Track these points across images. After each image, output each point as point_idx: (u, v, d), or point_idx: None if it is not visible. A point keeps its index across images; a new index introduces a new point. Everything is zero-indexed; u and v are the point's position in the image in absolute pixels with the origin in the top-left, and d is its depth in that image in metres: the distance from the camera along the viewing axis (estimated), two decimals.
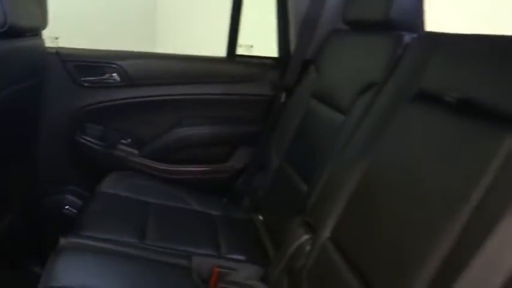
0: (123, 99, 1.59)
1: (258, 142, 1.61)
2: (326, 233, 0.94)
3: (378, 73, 1.01)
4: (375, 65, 1.04)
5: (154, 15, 3.15)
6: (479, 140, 0.66)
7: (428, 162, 0.75)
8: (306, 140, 1.31)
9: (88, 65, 1.55)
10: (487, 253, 0.55)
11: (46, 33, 1.38)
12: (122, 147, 1.59)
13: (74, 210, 1.57)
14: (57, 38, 1.68)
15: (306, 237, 1.01)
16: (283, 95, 1.55)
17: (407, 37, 0.99)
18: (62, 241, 1.00)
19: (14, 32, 1.06)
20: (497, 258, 0.53)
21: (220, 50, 1.71)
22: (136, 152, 1.60)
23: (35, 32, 1.30)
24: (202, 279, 1.02)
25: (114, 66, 1.55)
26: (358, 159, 0.93)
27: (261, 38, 1.76)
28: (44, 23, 1.29)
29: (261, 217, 1.43)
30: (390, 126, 0.89)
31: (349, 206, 0.91)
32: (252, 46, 1.95)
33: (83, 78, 1.54)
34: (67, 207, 1.59)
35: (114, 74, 1.55)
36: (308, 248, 0.98)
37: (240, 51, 1.72)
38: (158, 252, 1.07)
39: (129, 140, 1.61)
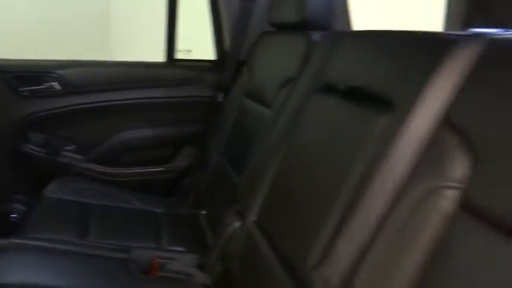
0: (65, 106, 1.63)
1: (200, 141, 1.68)
2: (252, 217, 1.03)
3: (294, 69, 1.11)
4: (291, 62, 1.14)
5: (108, 22, 3.16)
6: (361, 121, 0.76)
7: (328, 142, 0.85)
8: (240, 136, 1.40)
9: (27, 75, 1.58)
10: (363, 214, 0.65)
11: None
12: (66, 153, 1.62)
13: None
14: None
15: (237, 224, 1.09)
16: (221, 96, 1.63)
17: (317, 36, 1.09)
18: (3, 242, 1.04)
19: None
20: (370, 217, 0.63)
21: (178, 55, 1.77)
22: (81, 157, 1.64)
23: None
24: (141, 270, 1.08)
25: (54, 75, 1.59)
26: (279, 147, 1.03)
27: (199, 42, 1.84)
28: None
29: (204, 212, 1.50)
30: (302, 115, 0.99)
31: (271, 190, 1.00)
32: (190, 51, 2.03)
33: (22, 89, 1.57)
34: (14, 215, 1.61)
35: (54, 83, 1.59)
36: (239, 233, 1.07)
37: (179, 56, 1.79)
38: (98, 247, 1.12)
39: (74, 146, 1.65)
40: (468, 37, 0.58)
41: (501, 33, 0.56)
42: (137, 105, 1.70)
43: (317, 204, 0.79)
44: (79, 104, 1.64)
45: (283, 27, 1.35)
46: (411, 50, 0.69)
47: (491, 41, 0.55)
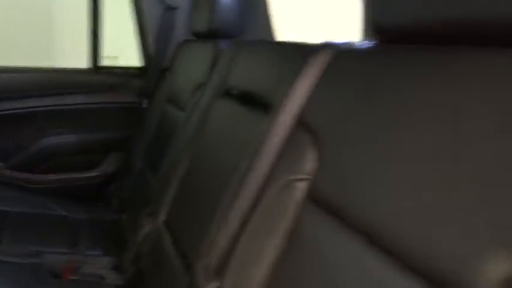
0: None
1: (125, 147, 1.70)
2: (162, 218, 1.07)
3: (204, 75, 1.17)
4: (202, 68, 1.20)
5: (50, 27, 3.09)
6: (249, 123, 0.82)
7: (223, 145, 0.90)
8: (160, 141, 1.43)
9: None
10: (238, 207, 0.70)
11: None
12: None
13: None
14: None
15: (150, 225, 1.13)
16: (145, 102, 1.66)
17: (224, 44, 1.15)
18: None
19: None
20: (243, 209, 0.69)
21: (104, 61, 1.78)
22: (1, 164, 1.62)
23: None
24: (52, 274, 1.09)
25: None
26: (187, 150, 1.08)
27: (127, 49, 1.86)
28: None
29: (126, 216, 1.52)
30: (207, 119, 1.04)
31: (178, 191, 1.05)
32: (117, 57, 2.04)
33: None
34: None
35: None
36: (151, 234, 1.10)
37: (106, 62, 1.80)
38: (9, 254, 1.12)
39: None
40: (321, 47, 0.65)
41: (349, 44, 0.64)
42: (62, 111, 1.69)
43: (210, 201, 0.84)
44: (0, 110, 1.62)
45: (200, 36, 1.40)
46: (285, 59, 0.77)
47: (339, 51, 0.63)
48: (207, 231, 0.78)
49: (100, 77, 1.75)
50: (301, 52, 0.71)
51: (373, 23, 0.56)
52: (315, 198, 0.57)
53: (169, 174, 1.11)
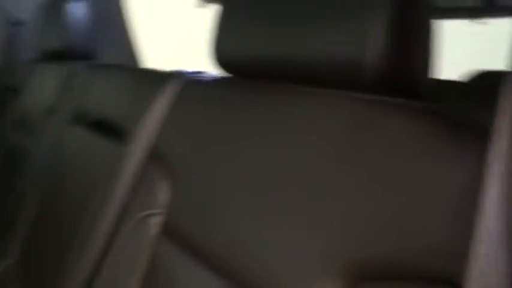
0: None
1: None
2: (11, 260, 0.96)
3: (55, 99, 1.08)
4: (53, 91, 1.11)
5: None
6: (104, 152, 0.78)
7: (77, 176, 0.85)
8: (5, 171, 1.29)
9: None
10: (95, 243, 0.66)
11: None
12: None
13: None
14: None
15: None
16: None
17: (76, 66, 1.08)
18: None
19: None
20: (99, 246, 0.65)
21: None
22: None
23: None
24: None
25: None
26: (38, 181, 0.98)
27: None
28: None
29: None
30: (60, 147, 0.97)
31: (31, 228, 0.95)
32: None
33: None
34: None
35: None
36: None
37: None
38: None
39: None
40: (173, 76, 0.65)
41: (199, 74, 0.65)
42: None
43: (64, 240, 0.78)
44: None
45: (51, 55, 1.30)
46: (138, 86, 0.75)
47: (190, 81, 0.63)
48: (61, 274, 0.72)
49: None
50: (153, 80, 0.70)
51: (220, 56, 0.57)
52: (170, 232, 0.56)
53: (18, 210, 1.00)
